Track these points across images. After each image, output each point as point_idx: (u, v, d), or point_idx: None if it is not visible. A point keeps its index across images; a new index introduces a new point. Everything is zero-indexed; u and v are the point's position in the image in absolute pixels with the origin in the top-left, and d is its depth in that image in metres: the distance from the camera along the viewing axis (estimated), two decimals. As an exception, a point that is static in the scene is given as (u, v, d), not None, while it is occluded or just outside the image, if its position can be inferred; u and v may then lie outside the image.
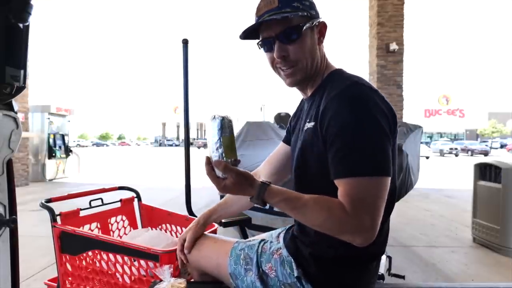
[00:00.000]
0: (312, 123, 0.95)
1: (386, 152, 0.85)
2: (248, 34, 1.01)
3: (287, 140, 1.21)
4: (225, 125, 0.88)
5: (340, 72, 1.02)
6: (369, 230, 0.81)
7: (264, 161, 1.28)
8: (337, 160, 0.85)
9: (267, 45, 0.99)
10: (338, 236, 0.84)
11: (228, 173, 0.88)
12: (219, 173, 0.89)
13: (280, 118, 4.50)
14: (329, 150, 0.88)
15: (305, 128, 0.99)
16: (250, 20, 1.01)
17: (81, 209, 1.60)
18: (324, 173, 0.90)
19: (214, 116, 0.89)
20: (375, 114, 0.86)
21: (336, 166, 0.86)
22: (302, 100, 1.14)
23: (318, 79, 1.03)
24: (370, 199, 0.82)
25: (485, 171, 3.65)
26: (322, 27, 1.01)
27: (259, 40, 1.01)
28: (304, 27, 0.95)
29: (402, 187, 2.08)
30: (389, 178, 0.85)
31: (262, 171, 1.26)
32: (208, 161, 0.91)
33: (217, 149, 0.88)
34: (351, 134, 0.84)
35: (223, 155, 0.87)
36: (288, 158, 1.18)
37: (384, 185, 0.83)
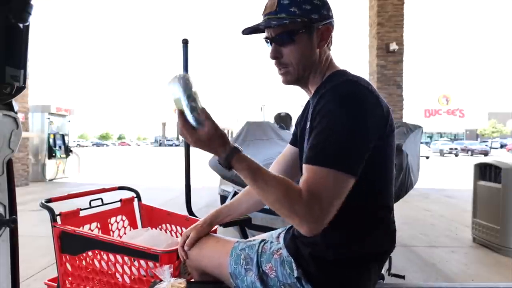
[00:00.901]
0: (309, 123, 0.96)
1: (359, 152, 0.85)
2: (252, 31, 1.04)
3: (293, 142, 1.22)
4: (190, 81, 0.91)
5: (341, 72, 1.02)
6: (316, 221, 0.81)
7: (273, 163, 1.29)
8: (309, 146, 0.87)
9: (268, 43, 1.04)
10: (287, 218, 0.85)
11: (208, 121, 0.88)
12: (194, 123, 0.89)
13: (280, 118, 4.49)
14: (309, 137, 0.89)
15: (307, 128, 1.00)
16: (251, 18, 1.03)
17: (81, 209, 1.60)
18: None
19: (177, 76, 0.91)
20: (362, 112, 0.86)
21: (306, 151, 0.87)
22: (308, 101, 1.15)
23: (318, 79, 1.04)
24: (326, 191, 0.81)
25: (485, 171, 3.65)
26: (324, 31, 1.00)
27: (264, 37, 1.05)
28: (298, 33, 0.97)
29: (402, 187, 2.08)
30: (353, 179, 0.84)
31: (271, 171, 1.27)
32: (181, 113, 0.90)
33: (190, 102, 0.89)
34: (331, 126, 0.85)
35: (200, 106, 0.89)
36: (294, 160, 1.19)
37: (345, 183, 0.83)
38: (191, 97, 0.88)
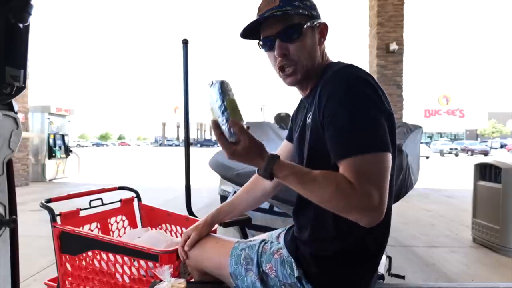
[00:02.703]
0: (313, 115, 0.95)
1: (383, 128, 0.84)
2: (249, 33, 1.01)
3: (289, 138, 1.22)
4: (226, 88, 0.86)
5: (336, 63, 1.01)
6: (378, 207, 0.79)
7: None
8: (337, 142, 0.84)
9: (267, 44, 0.99)
10: (346, 214, 0.81)
11: (243, 136, 0.84)
12: (230, 137, 0.85)
13: (280, 119, 4.50)
14: (327, 133, 0.87)
15: (308, 121, 0.98)
16: (251, 19, 1.01)
17: (81, 209, 1.60)
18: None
19: (212, 82, 0.87)
20: (369, 92, 0.85)
21: (336, 148, 0.85)
22: (302, 99, 1.14)
23: (317, 75, 1.02)
24: (375, 174, 0.80)
25: (485, 171, 3.65)
26: (323, 28, 1.01)
27: (259, 40, 1.01)
28: (305, 26, 0.95)
29: (402, 187, 2.08)
30: (390, 154, 0.83)
31: None
32: (216, 124, 0.86)
33: (222, 113, 0.84)
34: (347, 114, 0.83)
35: (229, 118, 0.83)
36: (291, 156, 1.19)
37: (386, 161, 0.82)
38: (223, 107, 0.83)
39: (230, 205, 1.25)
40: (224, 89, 0.85)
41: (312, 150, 0.96)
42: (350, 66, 0.92)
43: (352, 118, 0.83)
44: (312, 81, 1.03)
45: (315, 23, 0.97)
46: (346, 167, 0.81)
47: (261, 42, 1.01)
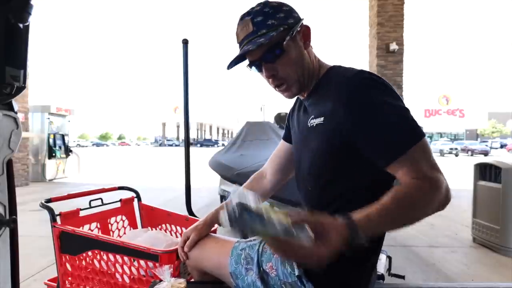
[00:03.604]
0: (321, 119, 0.94)
1: (413, 117, 0.86)
2: (237, 61, 1.00)
3: (286, 138, 1.22)
4: (247, 205, 0.70)
5: (338, 67, 1.02)
6: (447, 184, 0.82)
7: (268, 159, 1.29)
8: (387, 142, 0.84)
9: (256, 67, 1.00)
10: (437, 209, 0.82)
11: (312, 221, 0.71)
12: (304, 237, 0.68)
13: (280, 118, 4.51)
14: (366, 138, 0.86)
15: (312, 125, 0.97)
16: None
17: (81, 209, 1.61)
18: (346, 166, 0.90)
19: (234, 209, 0.69)
20: (391, 88, 0.89)
21: (387, 148, 0.84)
22: (298, 98, 1.14)
23: (312, 78, 1.02)
24: (431, 158, 0.83)
25: (485, 171, 3.65)
26: (305, 31, 0.99)
27: (247, 64, 1.01)
28: (285, 42, 0.94)
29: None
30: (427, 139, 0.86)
31: (267, 169, 1.29)
32: (277, 241, 0.70)
33: (268, 224, 0.68)
34: (386, 112, 0.85)
35: (285, 219, 0.68)
36: (289, 155, 1.18)
37: (428, 145, 0.85)
38: (269, 217, 0.68)
39: None
40: (249, 207, 0.69)
41: (318, 154, 0.96)
42: (362, 71, 0.92)
43: (392, 114, 0.84)
44: (309, 85, 1.03)
45: (294, 32, 0.95)
46: (404, 166, 0.82)
47: (249, 65, 1.01)
